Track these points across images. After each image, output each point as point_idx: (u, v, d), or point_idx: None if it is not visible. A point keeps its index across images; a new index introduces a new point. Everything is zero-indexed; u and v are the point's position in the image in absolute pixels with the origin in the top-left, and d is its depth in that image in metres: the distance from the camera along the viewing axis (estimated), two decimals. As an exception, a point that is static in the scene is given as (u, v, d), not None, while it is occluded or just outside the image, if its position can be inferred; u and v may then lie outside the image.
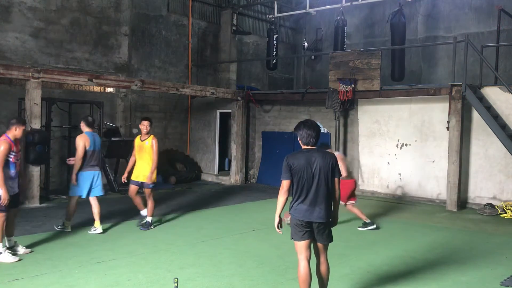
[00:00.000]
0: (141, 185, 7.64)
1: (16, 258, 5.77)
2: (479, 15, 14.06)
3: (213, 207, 9.89)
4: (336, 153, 7.17)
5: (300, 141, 4.49)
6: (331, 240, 4.47)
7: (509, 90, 9.43)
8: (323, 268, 4.48)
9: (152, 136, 7.67)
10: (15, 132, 5.83)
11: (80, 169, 7.11)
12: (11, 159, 5.74)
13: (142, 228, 7.55)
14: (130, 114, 13.35)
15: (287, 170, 4.30)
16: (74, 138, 11.41)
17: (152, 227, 7.63)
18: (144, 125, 7.65)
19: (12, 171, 5.78)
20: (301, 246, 4.38)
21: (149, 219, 7.63)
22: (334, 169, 4.36)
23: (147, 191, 7.60)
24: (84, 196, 7.23)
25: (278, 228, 4.42)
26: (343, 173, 6.71)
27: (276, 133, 13.72)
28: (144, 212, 7.78)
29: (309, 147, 4.41)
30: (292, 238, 4.44)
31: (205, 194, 11.72)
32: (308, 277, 4.34)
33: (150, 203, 7.61)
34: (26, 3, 11.09)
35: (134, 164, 7.77)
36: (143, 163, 7.60)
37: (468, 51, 9.91)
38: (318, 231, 4.37)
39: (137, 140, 7.78)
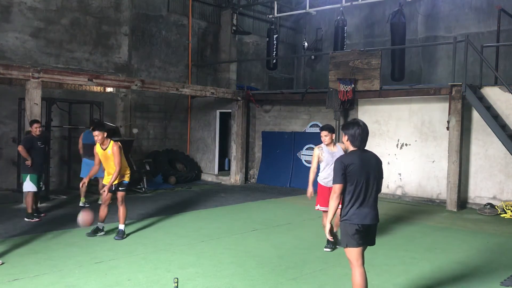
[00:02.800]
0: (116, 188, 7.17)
1: None
2: (479, 15, 14.06)
3: (213, 207, 9.89)
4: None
5: (349, 142, 4.25)
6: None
7: (509, 90, 9.42)
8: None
9: (112, 142, 6.99)
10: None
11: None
12: None
13: (116, 237, 6.99)
14: (130, 114, 13.35)
15: (342, 173, 4.07)
16: (74, 138, 11.57)
17: (125, 236, 7.09)
18: (95, 135, 6.94)
19: None
20: (359, 252, 4.18)
21: (121, 227, 7.10)
22: (381, 170, 4.32)
23: (120, 196, 7.12)
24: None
25: (330, 235, 4.25)
26: None
27: (276, 133, 13.72)
28: (101, 224, 7.25)
29: (358, 149, 4.23)
30: (347, 246, 4.17)
31: (205, 194, 11.72)
32: (366, 283, 4.22)
33: (122, 210, 7.11)
34: (26, 3, 11.09)
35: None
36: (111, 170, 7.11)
37: (468, 51, 9.90)
38: (370, 233, 4.23)
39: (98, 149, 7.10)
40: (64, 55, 11.82)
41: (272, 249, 6.61)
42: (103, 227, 7.28)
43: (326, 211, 6.14)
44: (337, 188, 4.07)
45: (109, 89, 12.82)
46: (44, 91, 9.74)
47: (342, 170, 4.06)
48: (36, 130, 8.25)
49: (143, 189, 11.51)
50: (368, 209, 4.14)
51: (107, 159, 6.99)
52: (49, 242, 6.66)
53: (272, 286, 5.17)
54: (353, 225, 4.10)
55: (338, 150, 6.48)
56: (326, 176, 6.48)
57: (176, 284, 4.14)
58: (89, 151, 8.73)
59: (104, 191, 7.02)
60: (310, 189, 6.56)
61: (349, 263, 4.24)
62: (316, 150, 6.58)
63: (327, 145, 6.54)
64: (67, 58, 11.87)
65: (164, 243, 6.77)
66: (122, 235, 7.05)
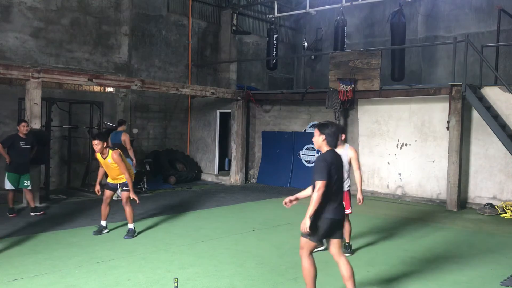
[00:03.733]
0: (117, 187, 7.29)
1: None
2: (479, 15, 14.06)
3: (213, 207, 9.89)
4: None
5: (325, 142, 4.48)
6: None
7: (509, 90, 9.42)
8: (348, 265, 4.50)
9: (111, 151, 7.00)
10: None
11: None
12: None
13: (126, 236, 7.04)
14: (130, 114, 13.36)
15: (327, 171, 4.26)
16: (74, 138, 11.57)
17: (136, 234, 7.19)
18: (95, 144, 6.97)
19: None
20: (314, 245, 4.46)
21: (131, 226, 7.18)
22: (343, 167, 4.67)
23: (124, 196, 7.17)
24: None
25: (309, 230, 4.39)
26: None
27: (276, 133, 13.72)
28: (104, 222, 7.34)
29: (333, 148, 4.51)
30: (309, 237, 4.35)
31: (205, 194, 11.72)
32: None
33: (128, 209, 7.15)
34: (26, 3, 11.09)
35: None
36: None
37: (468, 51, 9.90)
38: (339, 227, 4.52)
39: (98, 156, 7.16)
40: (64, 55, 11.82)
41: (272, 249, 6.61)
42: (106, 225, 7.35)
43: None
44: (323, 185, 4.23)
45: (109, 89, 12.82)
46: (44, 91, 9.74)
47: (327, 168, 4.26)
48: (23, 129, 8.51)
49: (143, 189, 11.51)
50: (339, 205, 4.46)
51: (107, 166, 7.10)
52: (49, 242, 6.65)
53: (272, 286, 5.17)
54: (328, 220, 4.35)
55: (344, 150, 6.17)
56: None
57: (176, 284, 4.14)
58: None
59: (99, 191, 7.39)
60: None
61: (301, 252, 4.46)
62: None
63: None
64: (67, 58, 11.87)
65: (164, 243, 6.77)
66: (132, 233, 7.14)
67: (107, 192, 7.31)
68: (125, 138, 10.24)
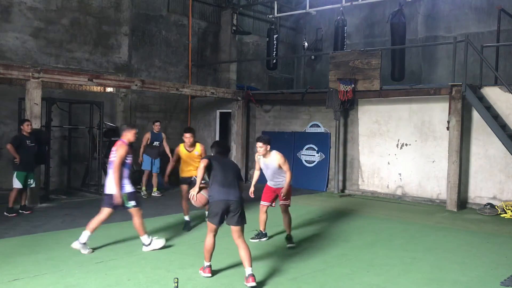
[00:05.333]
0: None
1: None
2: (479, 15, 14.06)
3: (213, 207, 9.87)
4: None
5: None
6: None
7: (509, 90, 9.42)
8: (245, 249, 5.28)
9: (198, 144, 7.77)
10: (129, 136, 6.41)
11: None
12: (128, 161, 6.29)
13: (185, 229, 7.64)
14: (130, 114, 13.35)
15: (209, 158, 5.63)
16: (74, 138, 11.57)
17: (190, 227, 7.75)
18: (187, 138, 7.64)
19: (127, 171, 6.28)
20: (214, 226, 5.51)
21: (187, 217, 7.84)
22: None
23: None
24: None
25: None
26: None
27: (276, 133, 13.72)
28: (187, 217, 7.88)
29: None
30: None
31: (205, 194, 11.69)
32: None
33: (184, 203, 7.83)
34: (26, 3, 11.09)
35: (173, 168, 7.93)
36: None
37: (468, 51, 9.90)
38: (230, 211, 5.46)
39: (182, 150, 7.74)
40: (64, 55, 11.82)
41: (272, 249, 6.61)
42: (190, 219, 7.88)
43: (265, 206, 7.15)
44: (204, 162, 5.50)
45: (109, 89, 12.81)
46: (44, 91, 9.74)
47: (210, 157, 5.62)
48: (27, 128, 8.59)
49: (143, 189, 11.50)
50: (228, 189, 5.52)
51: (192, 159, 7.68)
52: (49, 242, 6.65)
53: (272, 286, 5.17)
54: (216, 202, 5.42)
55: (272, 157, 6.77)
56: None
57: (176, 284, 4.14)
58: (150, 149, 11.12)
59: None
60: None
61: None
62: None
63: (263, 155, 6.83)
64: (67, 58, 11.87)
65: (164, 243, 6.77)
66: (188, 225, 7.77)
67: (184, 187, 7.67)
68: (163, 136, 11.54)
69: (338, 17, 14.00)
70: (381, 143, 11.84)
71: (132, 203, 6.24)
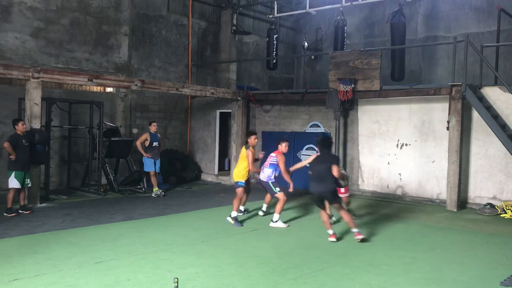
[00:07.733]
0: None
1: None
2: (479, 15, 14.06)
3: (213, 207, 9.89)
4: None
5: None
6: None
7: (509, 90, 9.43)
8: None
9: (250, 147, 8.68)
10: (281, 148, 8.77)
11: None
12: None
13: (235, 224, 8.10)
14: (130, 114, 13.36)
15: None
16: (74, 138, 11.57)
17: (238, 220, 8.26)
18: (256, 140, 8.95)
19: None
20: None
21: (234, 214, 8.25)
22: None
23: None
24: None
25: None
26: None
27: (276, 133, 13.70)
28: (242, 207, 8.83)
29: None
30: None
31: (205, 194, 11.72)
32: None
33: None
34: (26, 3, 11.09)
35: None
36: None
37: (468, 51, 9.90)
38: None
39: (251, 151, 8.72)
40: (64, 55, 11.82)
41: (272, 249, 6.61)
42: (244, 208, 8.95)
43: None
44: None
45: (109, 89, 12.82)
46: (44, 91, 9.75)
47: None
48: (22, 127, 8.66)
49: (143, 189, 11.52)
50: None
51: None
52: (49, 242, 6.65)
53: (272, 286, 5.17)
54: None
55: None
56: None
57: (176, 284, 4.14)
58: (151, 150, 11.21)
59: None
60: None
61: None
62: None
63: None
64: (67, 58, 11.87)
65: (164, 243, 6.77)
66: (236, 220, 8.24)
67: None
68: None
69: (338, 17, 14.00)
70: (381, 143, 11.84)
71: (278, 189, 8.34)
